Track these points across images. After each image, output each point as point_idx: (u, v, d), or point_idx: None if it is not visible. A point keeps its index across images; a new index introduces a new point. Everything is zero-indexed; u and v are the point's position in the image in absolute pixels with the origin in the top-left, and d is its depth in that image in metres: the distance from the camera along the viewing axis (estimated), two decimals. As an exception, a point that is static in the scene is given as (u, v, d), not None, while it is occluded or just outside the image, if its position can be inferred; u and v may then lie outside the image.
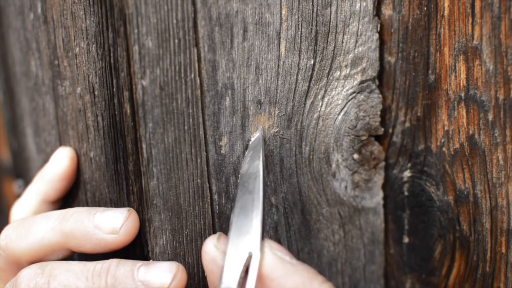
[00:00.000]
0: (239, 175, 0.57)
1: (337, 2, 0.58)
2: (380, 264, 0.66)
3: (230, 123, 0.58)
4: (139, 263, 0.56)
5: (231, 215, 0.55)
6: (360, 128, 0.62)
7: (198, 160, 0.57)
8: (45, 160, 0.70)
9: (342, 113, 0.61)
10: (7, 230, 0.61)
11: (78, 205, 0.66)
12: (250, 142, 0.58)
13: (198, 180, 0.58)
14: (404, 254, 0.66)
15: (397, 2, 0.60)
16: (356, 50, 0.60)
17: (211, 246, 0.54)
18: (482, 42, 0.57)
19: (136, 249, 0.59)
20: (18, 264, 0.60)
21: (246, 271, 0.52)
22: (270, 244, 0.54)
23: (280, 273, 0.52)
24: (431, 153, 0.62)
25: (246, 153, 0.58)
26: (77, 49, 0.59)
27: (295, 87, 0.59)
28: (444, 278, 0.64)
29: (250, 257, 0.53)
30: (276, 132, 0.60)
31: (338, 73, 0.60)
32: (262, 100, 0.59)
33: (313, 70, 0.59)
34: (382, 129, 0.63)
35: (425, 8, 0.59)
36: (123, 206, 0.59)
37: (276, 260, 0.53)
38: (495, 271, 0.61)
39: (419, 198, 0.64)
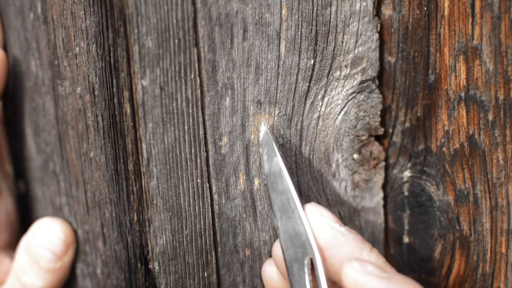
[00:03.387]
0: (264, 176, 0.57)
1: (337, 2, 0.58)
2: (380, 264, 0.66)
3: (230, 123, 0.58)
4: None
5: (274, 219, 0.56)
6: (360, 128, 0.62)
7: (198, 160, 0.57)
8: (45, 160, 0.70)
9: (342, 113, 0.61)
10: None
11: (78, 205, 0.66)
12: (260, 139, 0.58)
13: (198, 180, 0.58)
14: (404, 254, 0.66)
15: (397, 2, 0.60)
16: (356, 50, 0.60)
17: (272, 272, 0.56)
18: (482, 42, 0.57)
19: (136, 250, 0.59)
20: None
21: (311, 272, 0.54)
22: (321, 212, 0.55)
23: (332, 243, 0.54)
24: (431, 153, 0.62)
25: (261, 151, 0.57)
26: (77, 49, 0.59)
27: (295, 87, 0.59)
28: (444, 278, 0.64)
29: (310, 259, 0.54)
30: (276, 132, 0.60)
31: (338, 73, 0.60)
32: (262, 100, 0.59)
33: (313, 70, 0.59)
34: (382, 129, 0.63)
35: (425, 8, 0.59)
36: (123, 206, 0.59)
37: (328, 230, 0.54)
38: (495, 271, 0.61)
39: (419, 198, 0.64)
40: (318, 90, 0.60)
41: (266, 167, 0.57)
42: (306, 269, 0.54)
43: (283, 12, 0.57)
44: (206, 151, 0.58)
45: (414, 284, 0.52)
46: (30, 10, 0.66)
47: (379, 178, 0.64)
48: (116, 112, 0.57)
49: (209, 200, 0.58)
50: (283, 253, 0.55)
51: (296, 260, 0.54)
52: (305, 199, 0.62)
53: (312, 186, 0.62)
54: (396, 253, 0.66)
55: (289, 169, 0.59)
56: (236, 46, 0.56)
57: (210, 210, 0.59)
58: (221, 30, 0.56)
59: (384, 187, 0.65)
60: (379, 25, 0.60)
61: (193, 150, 0.57)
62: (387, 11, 0.60)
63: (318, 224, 0.54)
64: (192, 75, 0.55)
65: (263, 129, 0.58)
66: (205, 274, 0.60)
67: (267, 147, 0.57)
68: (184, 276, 0.59)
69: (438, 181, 0.62)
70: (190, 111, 0.56)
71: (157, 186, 0.56)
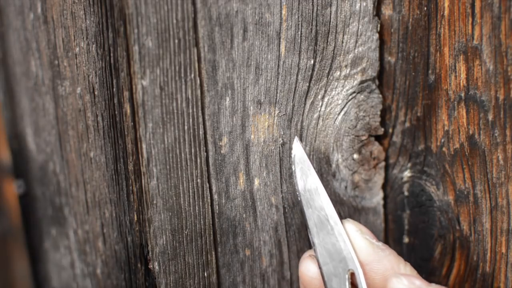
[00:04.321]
0: (297, 193, 0.58)
1: (337, 2, 0.58)
2: (380, 264, 0.66)
3: (230, 123, 0.58)
4: None
5: (309, 236, 0.57)
6: (360, 128, 0.62)
7: (198, 160, 0.57)
8: (45, 160, 0.70)
9: (342, 113, 0.61)
10: None
11: (78, 205, 0.66)
12: (293, 155, 0.58)
13: (198, 180, 0.58)
14: (404, 254, 0.66)
15: (397, 2, 0.60)
16: (356, 50, 0.60)
17: (315, 269, 0.57)
18: (482, 42, 0.57)
19: (136, 250, 0.59)
20: None
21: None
22: (360, 228, 0.57)
23: (372, 258, 0.56)
24: (431, 153, 0.62)
25: (293, 167, 0.58)
26: (77, 49, 0.60)
27: (295, 87, 0.59)
28: (444, 278, 0.64)
29: (351, 274, 0.55)
30: (276, 132, 0.60)
31: (338, 73, 0.60)
32: (262, 100, 0.59)
33: (313, 70, 0.59)
34: (382, 129, 0.63)
35: (425, 8, 0.59)
36: (123, 206, 0.59)
37: (368, 245, 0.56)
38: (495, 271, 0.61)
39: (419, 198, 0.64)
40: (318, 90, 0.60)
41: (300, 184, 0.58)
42: (347, 284, 0.55)
43: (283, 12, 0.57)
44: (206, 151, 0.58)
45: None
46: (30, 10, 0.66)
47: (379, 178, 0.64)
48: (116, 112, 0.57)
49: (209, 200, 0.58)
50: (320, 268, 0.56)
51: (336, 275, 0.56)
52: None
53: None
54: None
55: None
56: (236, 46, 0.56)
57: (210, 210, 0.59)
58: (221, 30, 0.56)
59: (384, 187, 0.65)
60: (379, 25, 0.60)
61: (193, 150, 0.57)
62: (387, 11, 0.60)
63: (358, 240, 0.56)
64: (192, 75, 0.55)
65: (297, 145, 0.59)
66: (205, 274, 0.60)
67: (301, 164, 0.58)
68: (184, 276, 0.59)
69: (438, 181, 0.62)
70: (190, 111, 0.56)
71: (157, 186, 0.56)
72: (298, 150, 0.59)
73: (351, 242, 0.56)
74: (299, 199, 0.58)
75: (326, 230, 0.56)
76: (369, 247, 0.56)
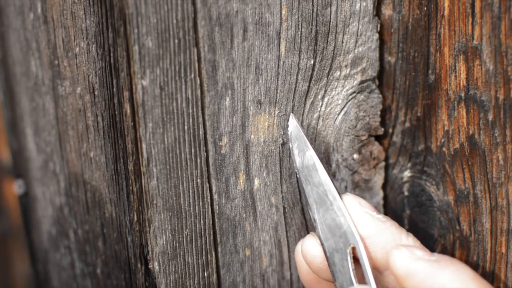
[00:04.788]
0: (295, 170, 0.57)
1: (337, 2, 0.58)
2: (380, 264, 0.66)
3: (230, 123, 0.58)
4: None
5: (309, 212, 0.56)
6: (360, 128, 0.62)
7: (198, 160, 0.57)
8: (45, 160, 0.70)
9: (342, 113, 0.61)
10: None
11: (78, 205, 0.66)
12: (289, 132, 0.58)
13: (198, 180, 0.58)
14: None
15: (397, 2, 0.60)
16: (356, 50, 0.60)
17: (317, 246, 0.56)
18: (482, 42, 0.57)
19: (136, 250, 0.59)
20: None
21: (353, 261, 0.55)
22: (359, 201, 0.56)
23: (373, 231, 0.55)
24: (431, 153, 0.62)
25: (290, 145, 0.58)
26: (77, 49, 0.60)
27: (295, 87, 0.59)
28: (444, 278, 0.64)
29: (353, 249, 0.54)
30: (276, 132, 0.60)
31: (338, 73, 0.60)
32: (262, 100, 0.59)
33: (313, 70, 0.59)
34: (382, 129, 0.63)
35: (425, 8, 0.59)
36: (123, 206, 0.59)
37: (368, 218, 0.55)
38: (495, 271, 0.61)
39: (419, 198, 0.64)
40: (318, 90, 0.60)
41: (298, 161, 0.57)
42: (349, 258, 0.55)
43: (283, 12, 0.57)
44: (206, 151, 0.58)
45: (460, 263, 0.53)
46: (30, 10, 0.66)
47: (379, 178, 0.64)
48: (116, 112, 0.57)
49: (209, 200, 0.58)
50: (322, 244, 0.55)
51: (337, 250, 0.55)
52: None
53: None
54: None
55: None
56: (236, 46, 0.56)
57: (210, 210, 0.59)
58: (221, 30, 0.56)
59: (384, 187, 0.65)
60: (379, 25, 0.60)
61: (193, 150, 0.57)
62: (387, 11, 0.60)
63: (358, 213, 0.55)
64: (192, 75, 0.55)
65: (292, 123, 0.58)
66: (205, 274, 0.60)
67: (298, 141, 0.57)
68: (184, 276, 0.59)
69: (438, 181, 0.62)
70: (190, 111, 0.56)
71: (157, 186, 0.56)
72: (293, 127, 0.58)
73: (350, 216, 0.55)
74: (297, 176, 0.57)
75: (326, 206, 0.56)
76: (369, 220, 0.55)
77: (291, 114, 0.59)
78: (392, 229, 0.55)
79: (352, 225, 0.55)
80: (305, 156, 0.57)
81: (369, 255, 0.55)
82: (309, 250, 0.57)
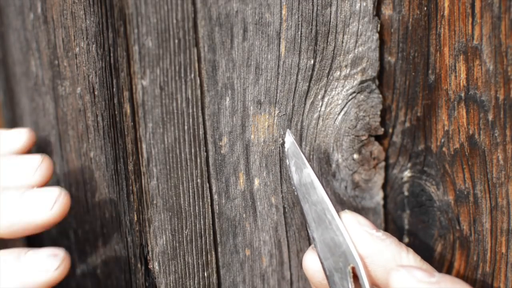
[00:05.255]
0: (293, 187, 0.57)
1: (337, 2, 0.58)
2: (380, 264, 0.66)
3: (230, 123, 0.58)
4: (26, 249, 0.56)
5: (308, 230, 0.56)
6: (360, 128, 0.62)
7: (198, 160, 0.57)
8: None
9: (342, 113, 0.61)
10: None
11: (78, 205, 0.66)
12: (286, 149, 0.58)
13: (198, 180, 0.58)
14: (404, 254, 0.66)
15: (397, 2, 0.60)
16: (356, 50, 0.60)
17: (313, 259, 0.56)
18: (482, 42, 0.57)
19: (136, 250, 0.59)
20: None
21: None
22: (359, 220, 0.55)
23: (372, 250, 0.54)
24: (431, 153, 0.62)
25: (287, 162, 0.57)
26: (77, 49, 0.60)
27: (295, 87, 0.59)
28: (444, 278, 0.64)
29: (352, 268, 0.54)
30: (276, 132, 0.60)
31: (338, 73, 0.60)
32: (262, 100, 0.59)
33: (313, 70, 0.59)
34: (382, 129, 0.63)
35: (425, 8, 0.59)
36: (123, 206, 0.59)
37: (367, 237, 0.55)
38: (495, 271, 0.61)
39: (419, 198, 0.64)
40: (318, 90, 0.60)
41: (295, 179, 0.57)
42: (348, 278, 0.54)
43: (283, 12, 0.57)
44: (206, 151, 0.58)
45: (462, 284, 0.53)
46: (30, 10, 0.66)
47: (379, 178, 0.64)
48: (116, 112, 0.57)
49: (209, 200, 0.58)
50: (322, 263, 0.55)
51: (337, 269, 0.55)
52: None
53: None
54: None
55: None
56: (236, 46, 0.56)
57: (210, 210, 0.59)
58: (221, 30, 0.56)
59: (384, 187, 0.65)
60: (379, 25, 0.60)
61: (193, 150, 0.57)
62: (387, 11, 0.60)
63: (357, 232, 0.55)
64: (192, 75, 0.55)
65: (289, 139, 0.58)
66: (205, 274, 0.60)
67: (295, 157, 0.57)
68: (184, 276, 0.59)
69: (438, 181, 0.62)
70: (190, 111, 0.56)
71: (157, 186, 0.56)
72: (290, 144, 0.58)
73: (349, 236, 0.55)
74: (295, 193, 0.57)
75: (324, 225, 0.55)
76: (368, 239, 0.55)
77: (287, 130, 0.58)
78: (392, 247, 0.54)
79: (351, 245, 0.54)
80: (303, 174, 0.56)
81: (368, 274, 0.54)
82: (309, 265, 0.56)
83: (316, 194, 0.56)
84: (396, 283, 0.52)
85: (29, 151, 0.62)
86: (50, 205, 0.56)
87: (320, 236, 0.55)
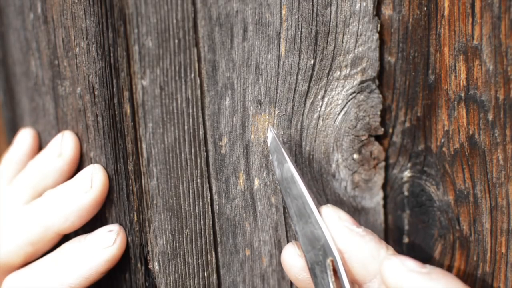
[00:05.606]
0: (276, 182, 0.57)
1: (337, 2, 0.58)
2: (380, 264, 0.66)
3: (230, 123, 0.58)
4: (85, 235, 0.60)
5: (292, 224, 0.57)
6: (360, 128, 0.62)
7: (198, 160, 0.57)
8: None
9: (342, 113, 0.61)
10: None
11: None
12: (269, 144, 0.58)
13: (198, 180, 0.58)
14: (404, 254, 0.66)
15: (397, 2, 0.60)
16: (356, 50, 0.60)
17: (295, 256, 0.56)
18: (482, 42, 0.57)
19: (136, 250, 0.59)
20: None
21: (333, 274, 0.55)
22: (339, 215, 0.55)
23: (351, 246, 0.54)
24: (431, 153, 0.62)
25: (270, 157, 0.58)
26: (77, 49, 0.60)
27: (295, 87, 0.59)
28: (444, 278, 0.64)
29: (332, 262, 0.55)
30: (276, 132, 0.60)
31: (338, 73, 0.60)
32: (262, 100, 0.59)
33: (313, 70, 0.59)
34: (382, 129, 0.63)
35: (425, 8, 0.59)
36: (123, 206, 0.59)
37: (346, 233, 0.54)
38: (495, 271, 0.61)
39: (419, 198, 0.64)
40: (318, 90, 0.60)
41: (277, 173, 0.57)
42: (328, 271, 0.55)
43: (283, 12, 0.57)
44: (206, 151, 0.58)
45: (452, 277, 0.53)
46: (30, 10, 0.66)
47: (379, 178, 0.64)
48: (116, 112, 0.57)
49: (209, 200, 0.58)
50: (305, 256, 0.56)
51: (317, 262, 0.55)
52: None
53: (312, 186, 0.62)
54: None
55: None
56: (236, 46, 0.56)
57: (210, 210, 0.59)
58: (221, 30, 0.56)
59: (384, 187, 0.65)
60: (379, 25, 0.60)
61: (193, 150, 0.57)
62: (387, 11, 0.60)
63: (336, 227, 0.55)
64: (192, 75, 0.55)
65: (270, 135, 0.58)
66: (205, 274, 0.60)
67: (277, 152, 0.57)
68: (184, 276, 0.59)
69: (438, 181, 0.62)
70: (190, 111, 0.56)
71: (157, 186, 0.56)
72: (272, 139, 0.58)
73: (328, 230, 0.55)
74: (279, 188, 0.57)
75: (305, 219, 0.56)
76: (347, 235, 0.54)
77: (269, 126, 0.59)
78: (371, 244, 0.54)
79: (330, 239, 0.55)
80: (284, 168, 0.57)
81: (347, 269, 0.54)
82: (286, 259, 0.57)
83: (296, 188, 0.56)
84: (387, 271, 0.52)
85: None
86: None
87: (302, 229, 0.56)
